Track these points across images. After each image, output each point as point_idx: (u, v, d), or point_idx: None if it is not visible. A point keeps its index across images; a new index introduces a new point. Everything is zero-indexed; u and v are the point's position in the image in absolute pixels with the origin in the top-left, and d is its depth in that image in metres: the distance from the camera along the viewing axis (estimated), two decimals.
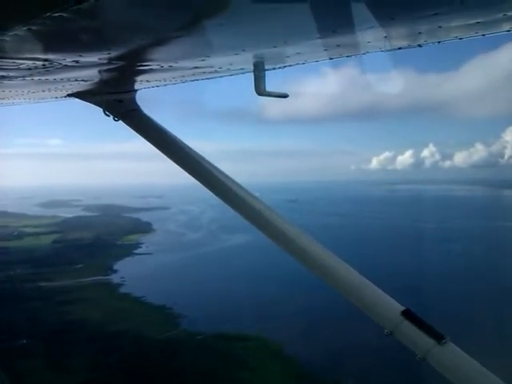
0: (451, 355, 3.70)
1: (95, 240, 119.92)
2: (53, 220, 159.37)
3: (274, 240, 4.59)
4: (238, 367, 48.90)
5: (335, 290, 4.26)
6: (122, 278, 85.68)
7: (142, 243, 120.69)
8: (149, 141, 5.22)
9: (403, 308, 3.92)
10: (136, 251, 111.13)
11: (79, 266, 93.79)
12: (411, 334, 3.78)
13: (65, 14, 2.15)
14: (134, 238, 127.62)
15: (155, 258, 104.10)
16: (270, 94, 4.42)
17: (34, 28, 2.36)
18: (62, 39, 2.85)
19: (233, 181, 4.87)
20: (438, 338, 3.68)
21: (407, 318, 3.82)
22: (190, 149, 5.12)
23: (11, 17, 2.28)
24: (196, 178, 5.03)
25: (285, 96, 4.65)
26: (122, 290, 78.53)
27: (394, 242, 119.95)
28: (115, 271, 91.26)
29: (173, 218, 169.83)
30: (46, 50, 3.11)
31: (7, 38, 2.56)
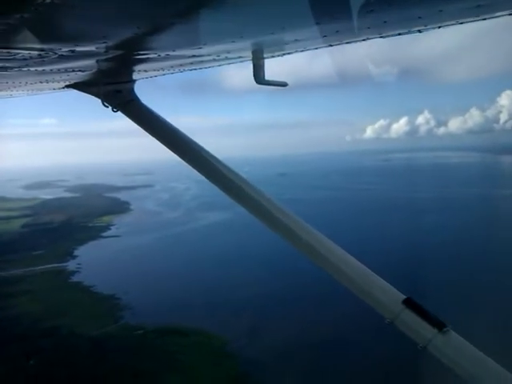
0: (452, 344, 3.66)
1: (65, 223, 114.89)
2: (31, 202, 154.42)
3: (272, 229, 4.54)
4: (169, 368, 43.52)
5: (335, 279, 4.14)
6: (78, 264, 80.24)
7: (113, 225, 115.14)
8: (147, 131, 5.09)
9: (404, 297, 3.85)
10: (104, 234, 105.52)
11: (39, 252, 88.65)
12: (412, 322, 3.73)
13: (57, 1, 2.11)
14: (107, 219, 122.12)
15: (122, 240, 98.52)
16: (269, 83, 4.36)
17: (26, 16, 2.30)
18: (55, 28, 2.77)
19: (231, 170, 4.81)
20: (440, 326, 3.65)
21: (408, 306, 3.77)
22: (189, 139, 5.02)
23: (2, 5, 2.20)
24: (195, 168, 4.92)
25: (284, 85, 4.62)
26: (75, 278, 73.14)
27: (382, 215, 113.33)
28: (75, 257, 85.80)
29: (154, 196, 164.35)
30: (41, 39, 2.99)
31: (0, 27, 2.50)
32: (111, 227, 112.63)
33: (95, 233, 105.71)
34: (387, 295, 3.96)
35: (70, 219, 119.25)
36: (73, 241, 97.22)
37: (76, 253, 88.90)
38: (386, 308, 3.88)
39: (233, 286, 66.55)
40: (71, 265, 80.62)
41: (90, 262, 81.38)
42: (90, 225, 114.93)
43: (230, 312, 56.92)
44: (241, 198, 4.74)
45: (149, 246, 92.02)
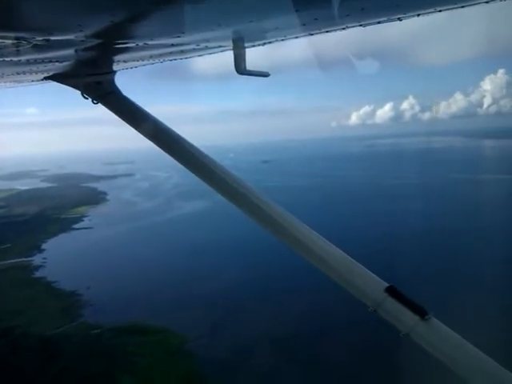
0: (434, 331, 3.73)
1: (37, 215, 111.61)
2: (5, 194, 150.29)
3: (252, 217, 4.52)
4: (122, 369, 41.33)
5: (317, 268, 4.17)
6: (44, 259, 77.45)
7: (86, 216, 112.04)
8: (128, 123, 5.05)
9: (387, 285, 3.90)
10: (76, 226, 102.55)
11: (7, 245, 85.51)
12: (395, 310, 3.79)
13: None
14: (81, 210, 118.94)
15: (93, 232, 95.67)
16: (250, 73, 4.32)
17: None
18: (27, 15, 2.64)
19: (214, 162, 4.82)
20: (422, 313, 3.71)
21: (391, 294, 3.82)
22: (170, 130, 4.98)
23: None
24: (176, 159, 4.91)
25: (266, 75, 4.60)
26: (38, 273, 70.46)
27: (361, 203, 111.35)
28: (42, 251, 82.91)
29: (133, 185, 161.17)
30: (12, 27, 2.87)
31: None
32: (84, 219, 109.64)
33: (67, 225, 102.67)
34: (370, 284, 3.96)
35: (42, 211, 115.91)
36: (43, 233, 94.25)
37: (44, 246, 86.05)
38: (369, 296, 3.88)
39: (202, 279, 64.35)
40: (37, 259, 77.78)
41: (57, 255, 78.66)
42: (63, 216, 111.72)
43: (196, 308, 54.70)
44: (222, 187, 4.68)
45: (120, 238, 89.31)
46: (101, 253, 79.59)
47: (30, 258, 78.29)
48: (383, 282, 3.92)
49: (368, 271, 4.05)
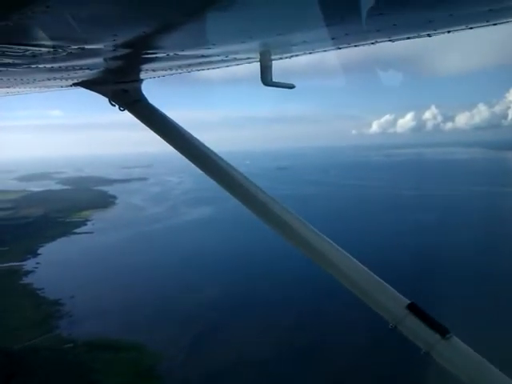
0: (455, 350, 3.67)
1: (42, 217, 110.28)
2: (16, 195, 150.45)
3: (276, 230, 4.51)
4: None
5: (340, 283, 4.16)
6: (37, 263, 75.38)
7: (90, 220, 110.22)
8: (154, 131, 5.07)
9: (408, 301, 3.89)
10: (78, 230, 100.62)
11: (4, 248, 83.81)
12: (416, 327, 3.76)
13: None
14: (87, 214, 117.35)
15: (94, 237, 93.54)
16: (276, 85, 4.39)
17: (37, 13, 2.30)
18: (66, 25, 2.70)
19: (236, 171, 4.82)
20: (443, 332, 3.67)
21: (412, 311, 3.80)
22: (195, 139, 5.03)
23: (14, 1, 2.23)
24: (200, 168, 4.93)
25: (291, 87, 4.63)
26: (27, 279, 68.21)
27: (369, 214, 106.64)
28: (37, 255, 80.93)
29: (145, 189, 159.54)
30: (51, 36, 2.99)
31: (11, 24, 2.50)
32: (87, 223, 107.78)
33: (69, 228, 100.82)
34: (391, 300, 3.93)
35: (48, 213, 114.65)
36: (43, 237, 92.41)
37: (40, 250, 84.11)
38: (390, 312, 3.86)
39: (196, 290, 61.10)
40: (29, 264, 75.69)
41: (51, 260, 76.43)
42: (67, 220, 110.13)
43: (181, 322, 51.48)
44: (247, 199, 4.62)
45: (119, 244, 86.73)
46: (96, 259, 77.12)
47: (22, 263, 76.28)
48: (404, 299, 3.87)
49: (390, 287, 4.00)
